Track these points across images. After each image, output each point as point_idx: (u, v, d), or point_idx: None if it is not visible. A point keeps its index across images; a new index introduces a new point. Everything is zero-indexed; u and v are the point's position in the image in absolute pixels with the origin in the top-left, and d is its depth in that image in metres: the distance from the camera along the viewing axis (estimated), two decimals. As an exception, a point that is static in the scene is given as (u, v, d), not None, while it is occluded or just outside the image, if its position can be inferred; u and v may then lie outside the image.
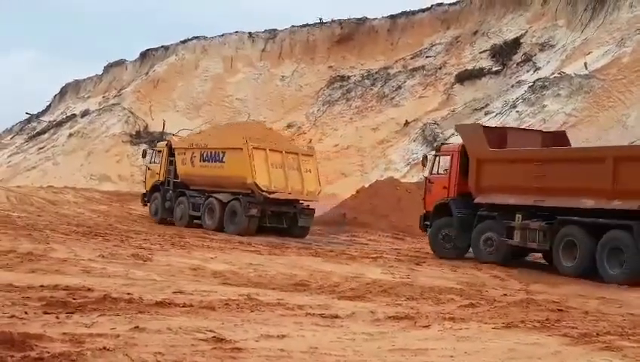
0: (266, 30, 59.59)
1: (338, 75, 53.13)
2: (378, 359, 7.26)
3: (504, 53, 45.42)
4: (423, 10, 53.16)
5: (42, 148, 56.28)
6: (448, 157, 20.37)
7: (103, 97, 61.34)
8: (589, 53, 39.03)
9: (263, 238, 23.14)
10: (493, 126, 24.59)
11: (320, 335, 8.27)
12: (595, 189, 16.11)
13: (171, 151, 28.61)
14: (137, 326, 7.85)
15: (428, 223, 20.51)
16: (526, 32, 45.79)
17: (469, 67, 46.23)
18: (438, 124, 42.31)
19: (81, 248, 16.00)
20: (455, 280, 14.57)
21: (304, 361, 6.95)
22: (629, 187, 15.47)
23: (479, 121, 38.69)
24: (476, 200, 18.96)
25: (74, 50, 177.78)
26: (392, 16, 54.54)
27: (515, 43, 45.49)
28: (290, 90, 54.42)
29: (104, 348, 6.80)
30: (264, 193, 24.18)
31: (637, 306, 11.96)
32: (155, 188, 29.25)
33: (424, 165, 22.02)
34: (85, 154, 53.19)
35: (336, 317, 9.47)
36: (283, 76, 55.75)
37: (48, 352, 6.47)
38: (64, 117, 61.49)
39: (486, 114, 39.95)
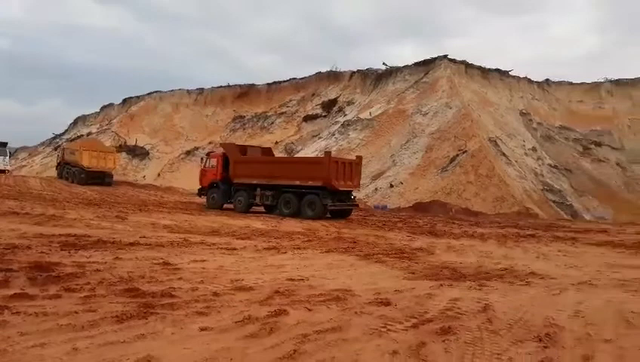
0: (197, 88, 57.38)
1: (239, 115, 52.06)
2: (258, 270, 7.30)
3: (329, 106, 46.14)
4: (286, 80, 52.91)
5: (61, 154, 51.99)
6: (215, 159, 20.89)
7: (100, 125, 57.25)
8: (372, 107, 40.53)
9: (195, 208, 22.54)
10: (239, 144, 24.89)
11: (225, 259, 8.20)
12: (300, 176, 18.07)
13: (63, 151, 33.83)
14: (117, 257, 7.56)
15: (203, 192, 21.19)
16: (340, 94, 46.84)
17: (310, 113, 46.65)
18: (293, 143, 42.52)
19: (84, 212, 15.03)
20: (301, 227, 14.69)
21: (215, 273, 6.87)
22: (314, 175, 17.72)
23: (315, 143, 39.35)
24: (235, 181, 19.77)
25: (82, 96, 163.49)
26: (268, 83, 53.85)
27: (334, 100, 46.31)
28: (211, 122, 52.88)
29: (97, 269, 6.56)
30: (86, 169, 30.73)
31: (393, 239, 12.57)
32: (58, 165, 34.07)
33: (201, 162, 22.34)
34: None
35: (235, 249, 9.42)
36: (207, 115, 54.03)
37: (63, 272, 6.22)
38: (75, 136, 56.91)
39: (319, 139, 40.56)
